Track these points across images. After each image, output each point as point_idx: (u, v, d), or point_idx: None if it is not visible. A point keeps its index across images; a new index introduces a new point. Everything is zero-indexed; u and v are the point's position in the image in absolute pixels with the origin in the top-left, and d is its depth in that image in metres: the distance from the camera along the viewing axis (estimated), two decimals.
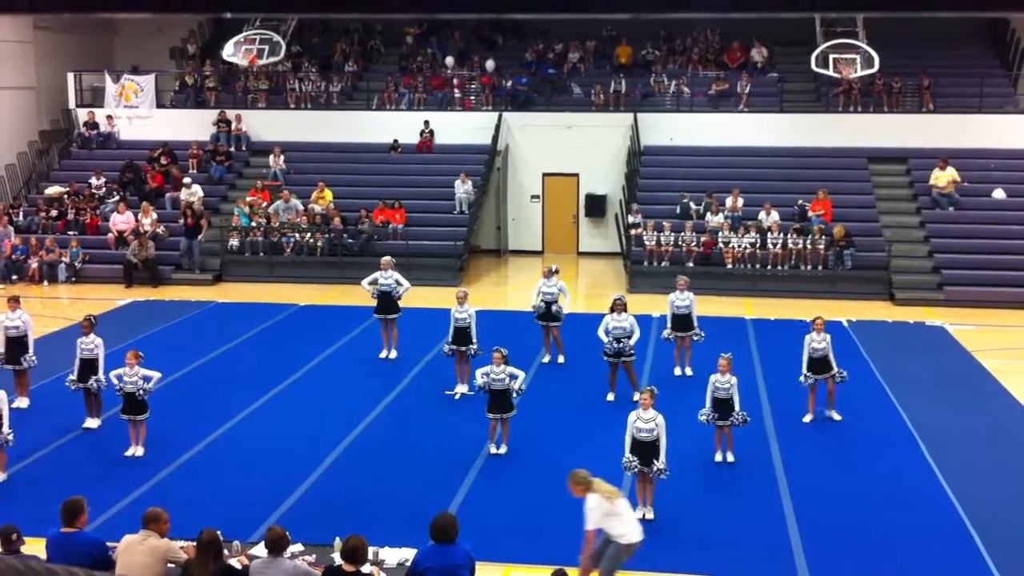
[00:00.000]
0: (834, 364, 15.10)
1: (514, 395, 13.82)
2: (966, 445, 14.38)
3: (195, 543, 8.60)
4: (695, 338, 17.45)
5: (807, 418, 15.20)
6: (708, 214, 25.62)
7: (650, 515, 11.77)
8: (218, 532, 8.72)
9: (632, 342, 15.97)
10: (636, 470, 11.73)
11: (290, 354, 18.72)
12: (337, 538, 9.24)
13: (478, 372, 14.01)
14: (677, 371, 17.52)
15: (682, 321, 17.40)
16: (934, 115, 28.17)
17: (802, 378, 15.17)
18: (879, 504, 12.30)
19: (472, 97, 30.33)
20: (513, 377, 13.77)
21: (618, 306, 16.18)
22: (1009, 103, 28.62)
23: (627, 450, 11.75)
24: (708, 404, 13.48)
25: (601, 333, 16.09)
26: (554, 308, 17.98)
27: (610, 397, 15.87)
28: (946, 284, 23.92)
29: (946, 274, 24.16)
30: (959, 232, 25.35)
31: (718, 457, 13.56)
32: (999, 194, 26.19)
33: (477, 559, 8.94)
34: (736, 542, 11.33)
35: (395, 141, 29.37)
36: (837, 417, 15.17)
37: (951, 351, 19.53)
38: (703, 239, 24.97)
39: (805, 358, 15.08)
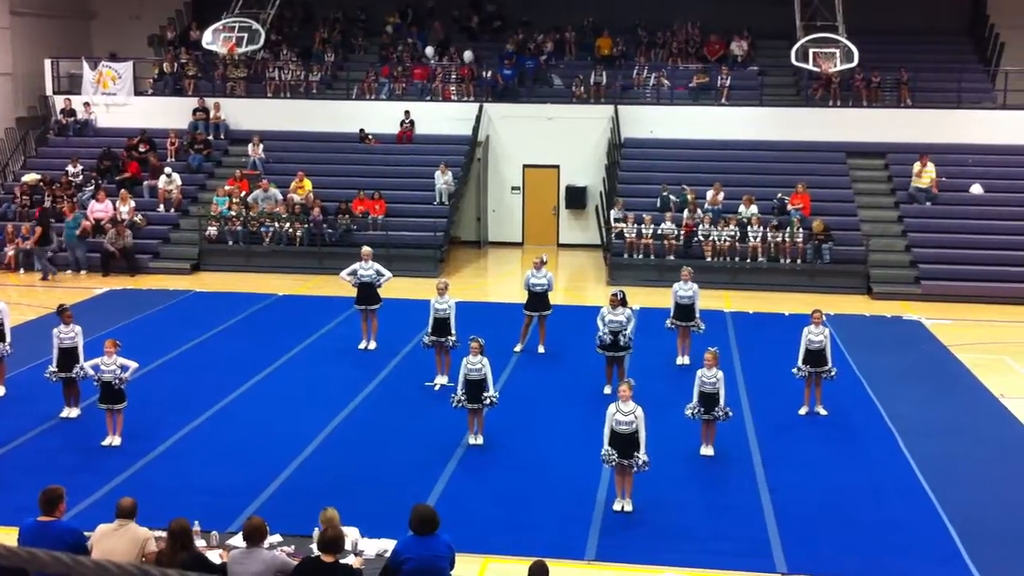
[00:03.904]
0: (829, 360, 15.14)
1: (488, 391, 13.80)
2: (942, 438, 14.48)
3: (165, 532, 8.58)
4: (694, 329, 17.54)
5: (802, 410, 15.25)
6: (686, 211, 25.59)
7: (629, 507, 11.79)
8: (188, 521, 8.67)
9: (628, 332, 15.96)
10: (615, 463, 11.75)
11: (269, 344, 18.65)
12: (316, 529, 9.23)
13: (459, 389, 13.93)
14: (679, 360, 17.60)
15: (685, 311, 17.53)
16: (913, 110, 28.31)
17: (795, 370, 15.23)
18: (856, 496, 12.37)
19: (453, 87, 30.26)
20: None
21: (614, 300, 16.17)
22: (987, 98, 28.78)
23: (606, 443, 11.76)
24: (695, 398, 13.50)
25: (599, 322, 16.08)
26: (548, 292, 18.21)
27: (607, 390, 15.83)
28: (923, 279, 24.05)
29: (923, 268, 24.31)
30: (937, 227, 25.49)
31: (704, 451, 13.59)
32: (977, 189, 26.35)
33: (457, 550, 8.94)
34: (714, 535, 11.37)
35: (362, 131, 29.20)
36: (824, 412, 15.23)
37: (928, 345, 19.66)
38: (684, 220, 25.08)
39: (801, 350, 15.13)
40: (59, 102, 30.74)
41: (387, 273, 18.65)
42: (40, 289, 23.85)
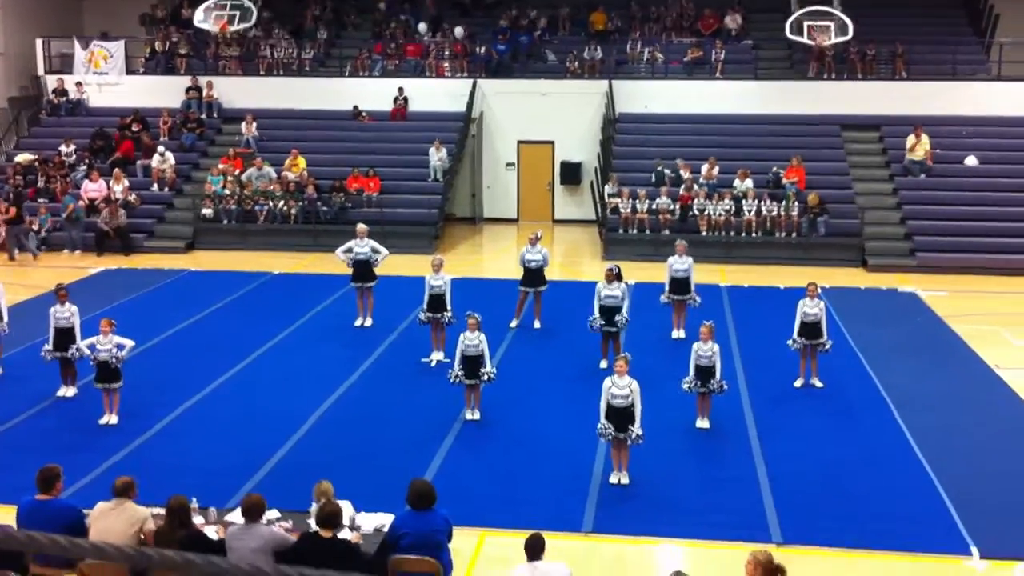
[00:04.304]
0: (824, 332, 15.16)
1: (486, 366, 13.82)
2: (937, 409, 14.53)
3: (163, 510, 8.61)
4: (690, 303, 17.56)
5: (798, 382, 15.30)
6: (682, 186, 25.52)
7: (625, 480, 11.85)
8: (186, 498, 8.70)
9: (624, 313, 15.97)
10: (611, 436, 11.78)
11: (264, 322, 18.65)
12: (314, 504, 9.26)
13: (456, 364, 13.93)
14: (675, 334, 17.63)
15: (680, 285, 17.56)
16: (907, 82, 28.25)
17: (790, 342, 15.26)
18: (851, 467, 12.43)
19: (446, 64, 30.14)
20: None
21: (610, 275, 16.18)
22: (982, 70, 28.72)
23: (602, 416, 11.80)
24: (691, 372, 13.53)
25: (595, 301, 16.09)
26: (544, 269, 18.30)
27: (603, 364, 15.83)
28: (918, 250, 24.08)
29: (918, 240, 24.33)
30: (931, 199, 25.49)
31: (699, 423, 13.64)
32: (971, 161, 26.33)
33: (454, 524, 9.00)
34: (710, 506, 11.42)
35: (355, 108, 29.11)
36: (819, 384, 15.28)
37: (923, 317, 19.69)
38: (680, 192, 25.06)
39: (797, 323, 15.16)
40: (51, 82, 30.62)
41: (383, 251, 18.63)
42: (34, 268, 23.81)
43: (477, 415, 13.88)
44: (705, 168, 25.89)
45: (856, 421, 14.12)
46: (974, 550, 10.40)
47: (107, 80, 30.38)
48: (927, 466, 12.44)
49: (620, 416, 11.69)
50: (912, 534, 10.78)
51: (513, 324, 18.35)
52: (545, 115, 29.04)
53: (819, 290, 15.45)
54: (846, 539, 10.67)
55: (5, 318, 15.82)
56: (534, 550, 8.26)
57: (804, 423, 13.99)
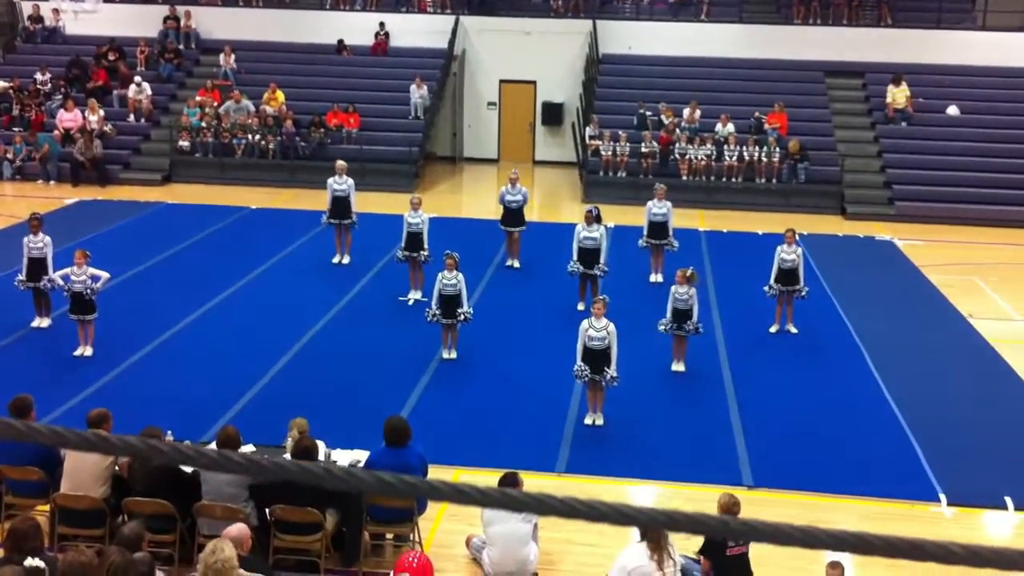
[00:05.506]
0: (801, 279, 15.20)
1: (464, 306, 13.80)
2: (909, 357, 14.65)
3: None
4: (668, 247, 17.55)
5: (773, 328, 15.36)
6: (663, 131, 25.37)
7: (600, 421, 11.92)
8: (160, 430, 8.70)
9: (602, 259, 15.95)
10: (587, 378, 11.83)
11: (241, 257, 18.55)
12: (289, 439, 9.28)
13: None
14: (652, 278, 17.64)
15: (659, 229, 17.52)
16: (892, 29, 28.12)
17: (767, 288, 15.30)
18: (823, 413, 12.54)
19: None
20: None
21: (589, 217, 16.12)
22: (967, 19, 28.60)
23: (578, 358, 11.83)
24: (668, 314, 13.56)
25: (574, 243, 16.04)
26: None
27: (580, 306, 15.83)
28: (897, 199, 24.13)
29: (897, 189, 24.36)
30: (912, 148, 25.49)
31: (675, 367, 13.70)
32: (953, 111, 26.32)
33: (429, 462, 9.04)
34: (683, 449, 11.52)
35: (340, 42, 28.75)
36: (794, 330, 15.35)
37: (899, 265, 19.78)
38: (660, 134, 24.92)
39: (774, 269, 15.19)
40: (27, 8, 30.03)
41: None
42: (11, 199, 23.55)
43: (454, 355, 13.91)
44: (687, 112, 25.76)
45: (830, 368, 14.23)
46: (942, 497, 10.54)
47: (83, 7, 29.81)
48: (898, 413, 12.57)
49: (596, 358, 11.72)
50: (882, 480, 10.91)
51: (510, 262, 18.34)
52: (528, 54, 28.75)
53: (797, 236, 15.47)
54: (816, 484, 10.79)
55: None
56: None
57: (778, 369, 14.08)
